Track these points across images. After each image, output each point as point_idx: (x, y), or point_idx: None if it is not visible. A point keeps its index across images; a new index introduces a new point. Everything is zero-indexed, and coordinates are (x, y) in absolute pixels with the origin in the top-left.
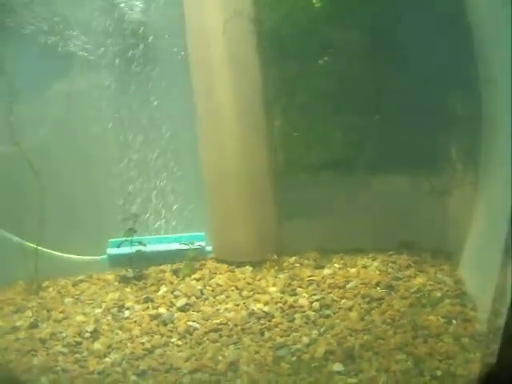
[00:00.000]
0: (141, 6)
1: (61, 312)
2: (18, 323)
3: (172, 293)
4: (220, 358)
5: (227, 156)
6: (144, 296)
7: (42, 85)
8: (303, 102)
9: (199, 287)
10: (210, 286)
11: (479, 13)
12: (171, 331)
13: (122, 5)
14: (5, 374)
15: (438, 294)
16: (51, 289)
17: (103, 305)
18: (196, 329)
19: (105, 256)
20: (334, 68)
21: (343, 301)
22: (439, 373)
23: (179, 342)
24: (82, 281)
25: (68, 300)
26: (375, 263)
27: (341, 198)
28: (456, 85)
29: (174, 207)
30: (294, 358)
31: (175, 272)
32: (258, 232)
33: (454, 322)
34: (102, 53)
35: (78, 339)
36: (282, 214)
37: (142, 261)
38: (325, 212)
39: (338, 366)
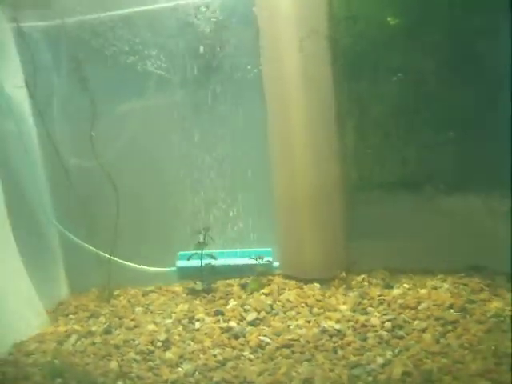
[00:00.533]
0: (215, 25)
1: (132, 320)
2: (93, 328)
3: (242, 307)
4: (294, 374)
5: (298, 172)
6: (214, 309)
7: (120, 102)
8: (376, 118)
9: (269, 302)
10: (279, 301)
11: None
12: (243, 345)
13: (198, 24)
14: (83, 376)
15: None
16: (122, 297)
17: (173, 315)
18: (268, 343)
19: (174, 268)
20: (408, 85)
21: (416, 322)
22: None
23: (251, 356)
24: (151, 291)
25: (138, 309)
26: (445, 285)
27: (411, 217)
28: None
29: (243, 223)
30: (369, 378)
31: (243, 286)
32: (326, 249)
33: None
34: (177, 71)
35: (151, 347)
36: (351, 231)
37: (210, 274)
38: (394, 231)
39: None
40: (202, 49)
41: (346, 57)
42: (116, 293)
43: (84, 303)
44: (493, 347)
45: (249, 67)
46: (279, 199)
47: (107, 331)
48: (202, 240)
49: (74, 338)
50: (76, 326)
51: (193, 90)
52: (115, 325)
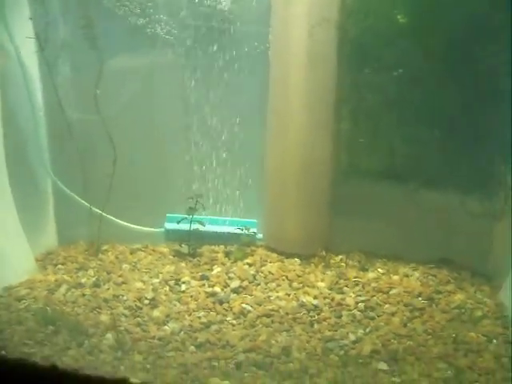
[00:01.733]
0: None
1: (120, 276)
2: (82, 280)
3: (226, 274)
4: (273, 342)
5: (291, 149)
6: (200, 273)
7: (127, 61)
8: (372, 109)
9: (252, 272)
10: (261, 272)
11: None
12: (226, 310)
13: None
14: (74, 325)
15: (479, 313)
16: (110, 253)
17: (160, 275)
18: (249, 311)
19: (162, 229)
20: (407, 81)
21: (387, 305)
22: None
23: (234, 322)
24: (138, 249)
25: (126, 266)
26: (416, 273)
27: (391, 206)
28: None
29: (232, 192)
30: (341, 352)
31: (227, 254)
32: (309, 226)
33: (494, 341)
34: (185, 36)
35: (139, 304)
36: (334, 213)
37: (197, 239)
38: (374, 217)
39: (382, 365)
40: (211, 20)
41: (352, 47)
42: (104, 248)
43: (73, 255)
44: (453, 335)
45: (256, 43)
46: (269, 174)
47: (96, 284)
48: (193, 206)
49: (64, 287)
50: (66, 277)
51: (199, 58)
52: (104, 279)
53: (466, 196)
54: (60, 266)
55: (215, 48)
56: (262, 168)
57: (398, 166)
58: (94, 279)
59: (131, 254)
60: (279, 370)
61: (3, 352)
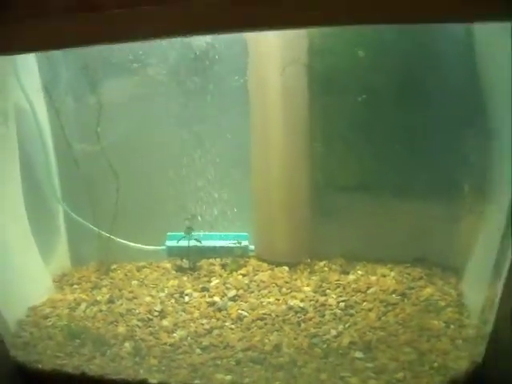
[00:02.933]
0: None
1: (130, 292)
2: (98, 298)
3: (224, 285)
4: (266, 341)
5: (273, 172)
6: (200, 285)
7: (122, 99)
8: (341, 132)
9: (246, 282)
10: (254, 281)
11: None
12: (225, 317)
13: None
14: (97, 338)
15: (443, 303)
16: (119, 271)
17: (166, 290)
18: (245, 316)
19: (164, 247)
20: (370, 106)
21: (364, 303)
22: (436, 365)
23: (232, 326)
24: (144, 267)
25: (134, 282)
26: (392, 273)
27: (366, 215)
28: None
29: (226, 211)
30: (324, 345)
31: (223, 266)
32: (295, 238)
33: (451, 326)
34: (171, 76)
35: (149, 316)
36: (315, 224)
37: (195, 254)
38: (351, 225)
39: (358, 354)
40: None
41: (321, 80)
42: (113, 267)
43: (86, 275)
44: (419, 324)
45: (236, 77)
46: (256, 194)
47: (110, 301)
48: (190, 225)
49: (83, 305)
50: (83, 295)
51: (186, 94)
52: (116, 296)
53: (431, 202)
54: (75, 285)
55: (200, 83)
56: (250, 189)
57: (369, 180)
58: (107, 296)
59: (138, 271)
60: (272, 364)
61: (39, 365)
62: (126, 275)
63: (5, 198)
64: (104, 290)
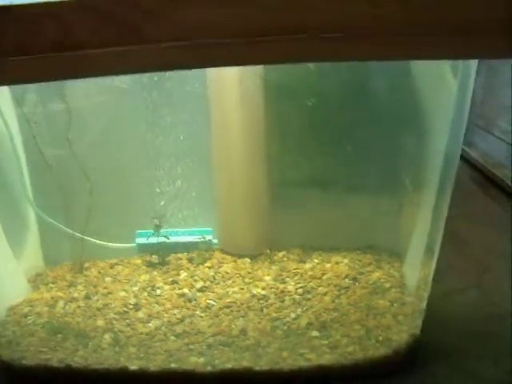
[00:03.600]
0: None
1: (104, 288)
2: (75, 295)
3: (191, 277)
4: (233, 326)
5: (233, 170)
6: (170, 279)
7: (90, 105)
8: (295, 133)
9: (212, 274)
10: (219, 273)
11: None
12: (195, 306)
13: None
14: (78, 332)
15: (388, 285)
16: (93, 269)
17: (138, 284)
18: (213, 305)
19: (134, 244)
20: (320, 110)
21: (320, 288)
22: (381, 338)
23: (202, 315)
24: (116, 264)
25: (108, 279)
26: (345, 260)
27: (320, 209)
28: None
29: (190, 207)
30: (285, 327)
31: (190, 260)
32: (255, 231)
33: (395, 305)
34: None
35: (125, 309)
36: (274, 217)
37: (164, 249)
38: (307, 218)
39: (315, 333)
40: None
41: (276, 89)
42: (87, 265)
43: (60, 274)
44: (367, 304)
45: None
46: (218, 192)
47: (87, 297)
48: (158, 223)
49: (61, 302)
50: (59, 293)
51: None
52: (92, 292)
53: (378, 196)
54: (51, 284)
55: (164, 90)
56: (212, 187)
57: (321, 176)
58: (84, 293)
59: (111, 268)
60: (239, 346)
61: (24, 361)
62: (99, 272)
63: None
64: (80, 287)
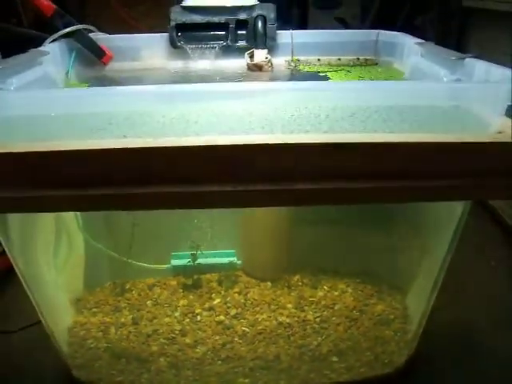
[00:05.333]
0: None
1: (148, 312)
2: (122, 320)
3: (225, 304)
4: (268, 352)
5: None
6: (207, 305)
7: None
8: None
9: (242, 300)
10: (249, 299)
11: None
12: (233, 333)
13: None
14: (138, 356)
15: (392, 317)
16: (134, 292)
17: (179, 309)
18: (248, 332)
19: (170, 266)
20: None
21: (333, 318)
22: (386, 361)
23: (240, 341)
24: (154, 285)
25: (149, 302)
26: (349, 289)
27: (330, 241)
28: None
29: (217, 232)
30: (310, 353)
31: (219, 283)
32: (276, 257)
33: (398, 334)
34: None
35: (173, 335)
36: (290, 245)
37: (195, 271)
38: (314, 245)
39: (334, 358)
40: None
41: None
42: (127, 287)
43: (102, 298)
44: (375, 333)
45: None
46: (243, 219)
47: (135, 322)
48: (193, 251)
49: (112, 328)
50: (106, 319)
51: None
52: (138, 317)
53: (382, 235)
54: (94, 309)
55: None
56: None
57: (334, 215)
58: (130, 317)
59: (150, 290)
60: (276, 369)
61: (102, 383)
62: (140, 295)
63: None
64: (125, 312)
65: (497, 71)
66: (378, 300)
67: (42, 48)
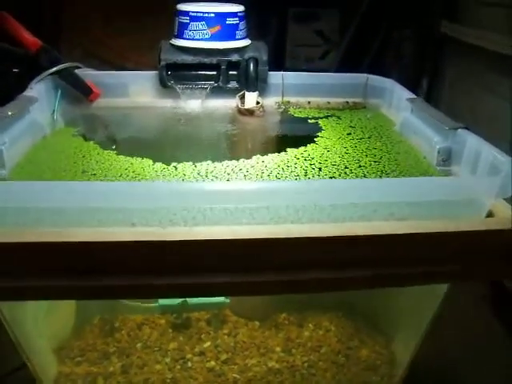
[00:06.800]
0: None
1: (138, 357)
2: (110, 369)
3: (215, 347)
4: None
5: None
6: (197, 349)
7: None
8: None
9: (231, 344)
10: (237, 342)
11: None
12: (224, 381)
13: None
14: None
15: (378, 362)
16: (123, 331)
17: (169, 353)
18: (239, 379)
19: (157, 304)
20: None
21: (320, 363)
22: None
23: None
24: (142, 323)
25: (139, 345)
26: (332, 327)
27: None
28: None
29: None
30: None
31: (208, 322)
32: (263, 298)
33: (385, 378)
34: None
35: None
36: None
37: (183, 309)
38: None
39: None
40: None
41: None
42: (116, 325)
43: (91, 342)
44: (362, 379)
45: None
46: None
47: (124, 371)
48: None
49: (100, 378)
50: (93, 368)
51: None
52: (127, 364)
53: None
54: (79, 358)
55: None
56: None
57: None
58: (119, 365)
59: (139, 329)
60: None
61: None
62: (129, 335)
63: None
64: (113, 359)
65: (489, 151)
66: (360, 343)
67: (28, 90)
